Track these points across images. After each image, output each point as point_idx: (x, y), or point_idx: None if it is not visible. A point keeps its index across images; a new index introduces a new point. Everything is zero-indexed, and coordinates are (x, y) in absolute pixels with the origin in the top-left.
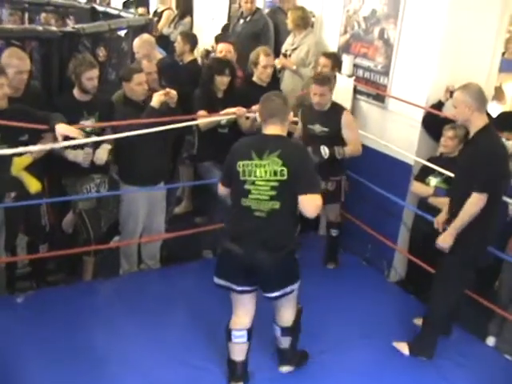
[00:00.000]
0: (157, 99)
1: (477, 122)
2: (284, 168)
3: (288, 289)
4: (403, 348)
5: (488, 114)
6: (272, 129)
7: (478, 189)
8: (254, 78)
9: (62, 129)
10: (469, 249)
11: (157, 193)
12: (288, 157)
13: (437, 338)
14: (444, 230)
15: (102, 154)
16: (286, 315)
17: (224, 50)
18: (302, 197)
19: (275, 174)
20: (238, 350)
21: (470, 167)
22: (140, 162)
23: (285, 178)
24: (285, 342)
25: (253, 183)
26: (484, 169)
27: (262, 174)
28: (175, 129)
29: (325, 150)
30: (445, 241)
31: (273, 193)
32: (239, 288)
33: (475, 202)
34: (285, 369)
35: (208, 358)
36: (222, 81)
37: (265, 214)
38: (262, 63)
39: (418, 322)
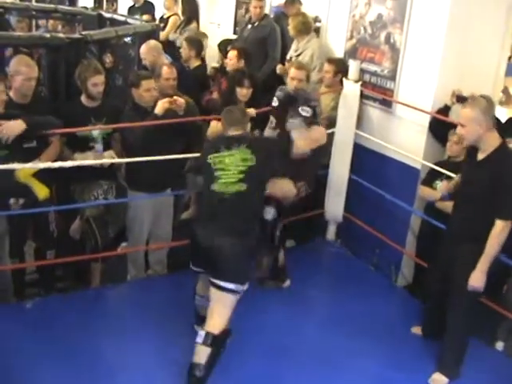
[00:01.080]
0: (160, 106)
1: (491, 140)
2: (253, 156)
3: (231, 285)
4: (441, 380)
5: (497, 119)
6: (235, 130)
7: (504, 216)
8: None
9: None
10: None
11: (164, 199)
12: (256, 146)
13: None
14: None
15: (108, 158)
16: (214, 320)
17: (235, 56)
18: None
19: (245, 160)
20: (198, 351)
21: (491, 190)
22: (147, 169)
23: (254, 163)
24: (202, 355)
25: (222, 169)
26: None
27: (232, 160)
28: (183, 136)
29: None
30: (478, 281)
31: (241, 176)
32: (195, 268)
33: (502, 231)
34: None
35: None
36: (241, 92)
37: (230, 195)
38: (291, 75)
39: (416, 330)
